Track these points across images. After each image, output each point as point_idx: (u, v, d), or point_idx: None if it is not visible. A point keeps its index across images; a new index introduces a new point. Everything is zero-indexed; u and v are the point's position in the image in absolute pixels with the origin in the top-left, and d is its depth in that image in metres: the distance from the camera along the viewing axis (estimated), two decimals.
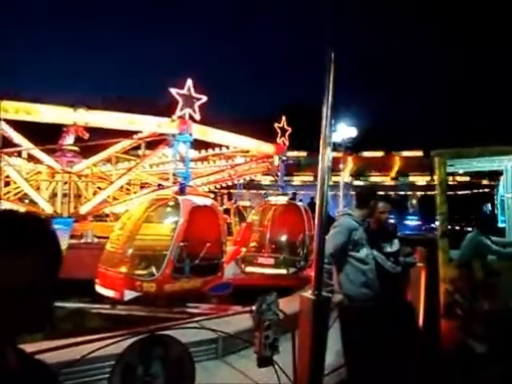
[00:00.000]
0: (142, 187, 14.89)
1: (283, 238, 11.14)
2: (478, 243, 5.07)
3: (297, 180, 39.84)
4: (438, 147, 5.53)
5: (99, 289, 7.34)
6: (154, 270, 7.47)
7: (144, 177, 14.67)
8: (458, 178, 34.69)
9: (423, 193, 37.34)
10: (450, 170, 5.77)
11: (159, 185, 12.45)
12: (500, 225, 6.55)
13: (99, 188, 13.24)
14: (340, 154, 18.64)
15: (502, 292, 4.36)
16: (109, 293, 7.17)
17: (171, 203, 8.48)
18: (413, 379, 3.68)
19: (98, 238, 10.20)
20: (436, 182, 5.49)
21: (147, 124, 10.67)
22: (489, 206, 7.22)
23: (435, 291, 5.07)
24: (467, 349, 4.15)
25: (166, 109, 10.66)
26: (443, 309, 4.79)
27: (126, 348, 2.74)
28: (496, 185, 7.00)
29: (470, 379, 3.89)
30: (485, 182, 33.50)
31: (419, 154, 41.22)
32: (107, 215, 13.38)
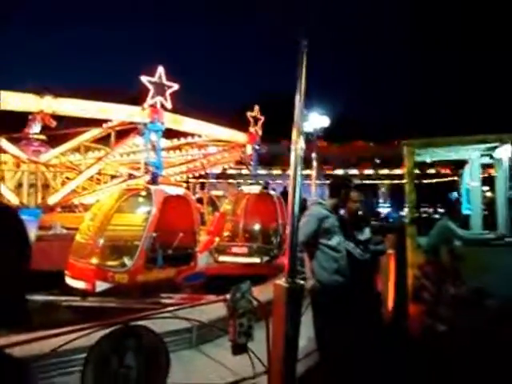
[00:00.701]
0: (112, 177, 14.59)
1: (256, 227, 11.20)
2: (446, 227, 5.27)
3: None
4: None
5: (69, 281, 7.18)
6: (126, 260, 7.36)
7: (115, 166, 14.38)
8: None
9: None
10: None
11: (130, 174, 12.24)
12: (465, 212, 6.79)
13: (68, 178, 12.91)
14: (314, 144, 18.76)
15: (466, 276, 4.55)
16: (80, 284, 7.03)
17: (143, 193, 8.36)
18: (383, 362, 3.81)
19: (67, 229, 9.97)
20: (405, 171, 5.61)
21: (117, 113, 10.42)
22: (455, 193, 7.43)
23: (404, 277, 5.23)
24: (434, 331, 4.32)
25: (138, 97, 10.43)
26: (411, 294, 4.95)
27: (99, 339, 2.72)
28: (461, 173, 7.23)
29: (438, 362, 4.06)
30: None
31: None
32: (76, 206, 13.08)
